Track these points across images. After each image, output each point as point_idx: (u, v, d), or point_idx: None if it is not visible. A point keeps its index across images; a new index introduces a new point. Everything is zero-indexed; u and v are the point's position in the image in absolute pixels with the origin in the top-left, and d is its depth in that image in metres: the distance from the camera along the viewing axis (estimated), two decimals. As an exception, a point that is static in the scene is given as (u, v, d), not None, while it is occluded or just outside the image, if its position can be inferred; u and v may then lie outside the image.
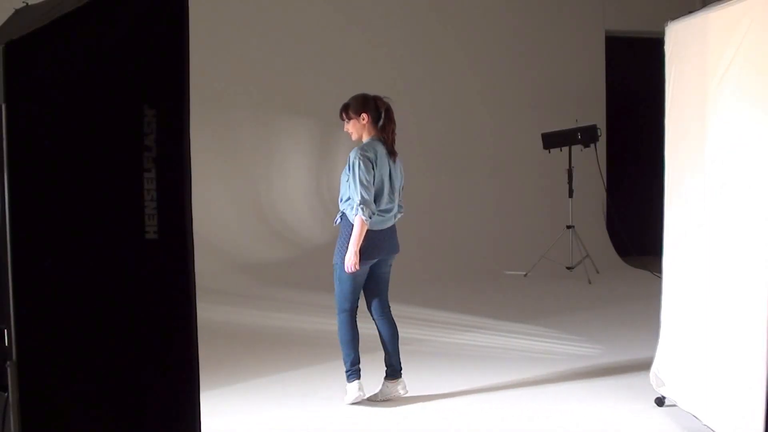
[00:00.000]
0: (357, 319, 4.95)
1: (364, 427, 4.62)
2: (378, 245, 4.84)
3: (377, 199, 4.81)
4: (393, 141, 4.92)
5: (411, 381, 5.10)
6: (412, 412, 4.81)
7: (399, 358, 5.00)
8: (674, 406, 4.57)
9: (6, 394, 2.46)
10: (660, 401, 4.74)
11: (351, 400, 4.87)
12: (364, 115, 4.84)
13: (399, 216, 5.02)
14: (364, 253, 4.77)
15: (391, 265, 5.02)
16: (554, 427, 4.62)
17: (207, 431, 2.91)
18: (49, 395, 2.49)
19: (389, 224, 4.92)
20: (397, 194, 4.96)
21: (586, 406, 4.90)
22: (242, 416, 4.77)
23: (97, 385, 2.56)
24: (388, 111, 4.89)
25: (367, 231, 4.75)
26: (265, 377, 5.54)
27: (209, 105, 8.80)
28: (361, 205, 4.70)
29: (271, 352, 6.20)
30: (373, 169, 4.75)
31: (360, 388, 4.87)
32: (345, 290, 4.86)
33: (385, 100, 4.90)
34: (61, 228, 2.50)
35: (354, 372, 4.89)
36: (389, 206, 4.89)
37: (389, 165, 4.88)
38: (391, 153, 4.90)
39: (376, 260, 4.87)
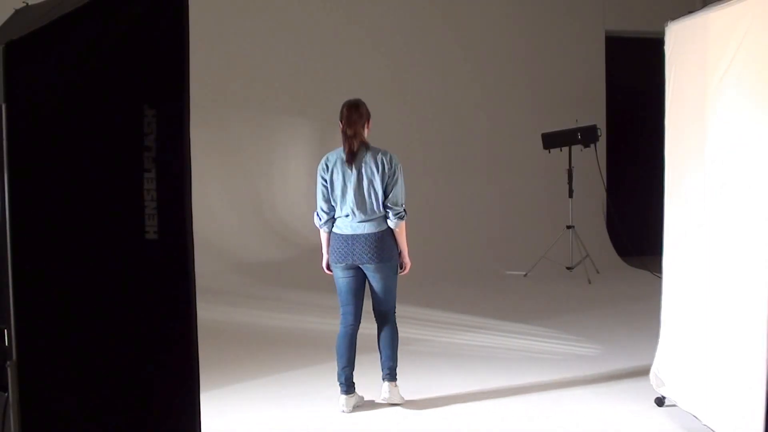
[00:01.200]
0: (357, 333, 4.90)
1: (364, 427, 4.62)
2: (336, 248, 4.81)
3: (335, 204, 4.82)
4: (347, 145, 4.74)
5: (411, 381, 5.11)
6: (411, 412, 4.81)
7: (387, 362, 4.87)
8: (674, 406, 4.57)
9: (6, 394, 2.46)
10: (660, 401, 4.74)
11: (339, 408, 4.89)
12: (340, 123, 4.85)
13: (393, 221, 4.75)
14: (330, 255, 4.88)
15: (380, 279, 4.79)
16: (554, 427, 4.61)
17: (207, 431, 2.91)
18: (49, 395, 2.49)
19: (352, 231, 4.77)
20: (358, 200, 4.73)
21: (585, 406, 4.90)
22: (242, 416, 4.77)
23: (97, 385, 2.56)
24: (347, 114, 4.78)
25: (332, 233, 4.84)
26: (264, 377, 5.54)
27: (209, 105, 8.81)
28: (314, 212, 4.90)
29: (271, 352, 6.20)
30: (321, 176, 4.82)
31: (345, 404, 4.82)
32: (337, 293, 4.92)
33: (348, 100, 4.84)
34: (61, 228, 2.50)
35: (340, 385, 4.86)
36: (347, 212, 4.76)
37: (349, 170, 4.76)
38: (346, 158, 4.75)
39: (341, 264, 4.79)
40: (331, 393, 5.07)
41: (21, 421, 2.42)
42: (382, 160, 4.77)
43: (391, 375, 4.88)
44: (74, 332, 2.52)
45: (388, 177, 4.77)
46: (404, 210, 4.82)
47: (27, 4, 2.97)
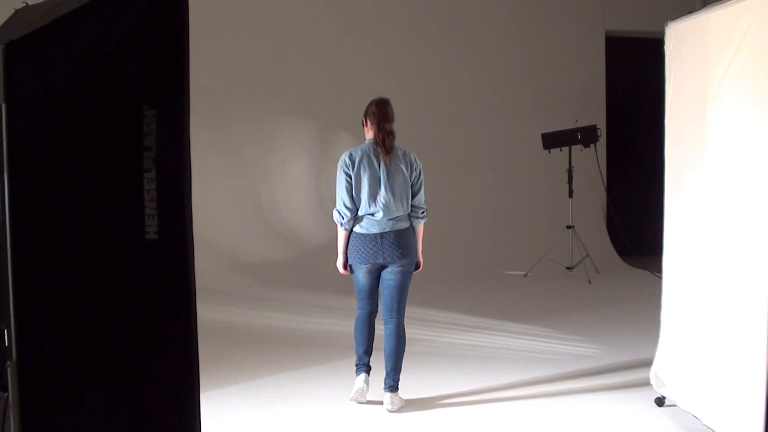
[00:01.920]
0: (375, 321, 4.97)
1: (364, 427, 4.62)
2: (362, 249, 4.78)
3: (359, 202, 4.78)
4: (384, 140, 4.76)
5: (411, 381, 5.10)
6: (411, 412, 4.81)
7: (392, 374, 4.83)
8: (674, 406, 4.57)
9: (6, 394, 2.45)
10: (660, 401, 4.74)
11: (351, 394, 4.89)
12: (363, 119, 4.88)
13: (418, 221, 4.83)
14: (350, 256, 4.85)
15: (401, 273, 4.80)
16: (554, 427, 4.61)
17: (207, 431, 2.91)
18: (49, 395, 2.49)
19: (380, 229, 4.76)
20: (390, 197, 4.74)
21: (586, 406, 4.90)
22: (242, 416, 4.77)
23: (96, 385, 2.56)
24: (379, 108, 4.80)
25: (354, 234, 4.80)
26: (265, 377, 5.54)
27: (209, 105, 8.81)
28: (334, 209, 4.82)
29: (271, 352, 6.20)
30: (345, 173, 4.77)
31: (364, 381, 4.87)
32: (355, 289, 4.93)
33: (379, 97, 4.87)
34: (61, 228, 2.50)
35: (360, 366, 4.91)
36: (375, 210, 4.75)
37: (378, 167, 4.76)
38: (385, 153, 4.77)
39: (367, 265, 4.79)
40: (331, 393, 5.07)
41: (21, 421, 2.42)
42: (410, 159, 4.84)
43: (393, 387, 4.86)
44: (74, 332, 2.52)
45: (416, 176, 4.85)
46: (426, 209, 4.92)
47: (27, 4, 2.97)
